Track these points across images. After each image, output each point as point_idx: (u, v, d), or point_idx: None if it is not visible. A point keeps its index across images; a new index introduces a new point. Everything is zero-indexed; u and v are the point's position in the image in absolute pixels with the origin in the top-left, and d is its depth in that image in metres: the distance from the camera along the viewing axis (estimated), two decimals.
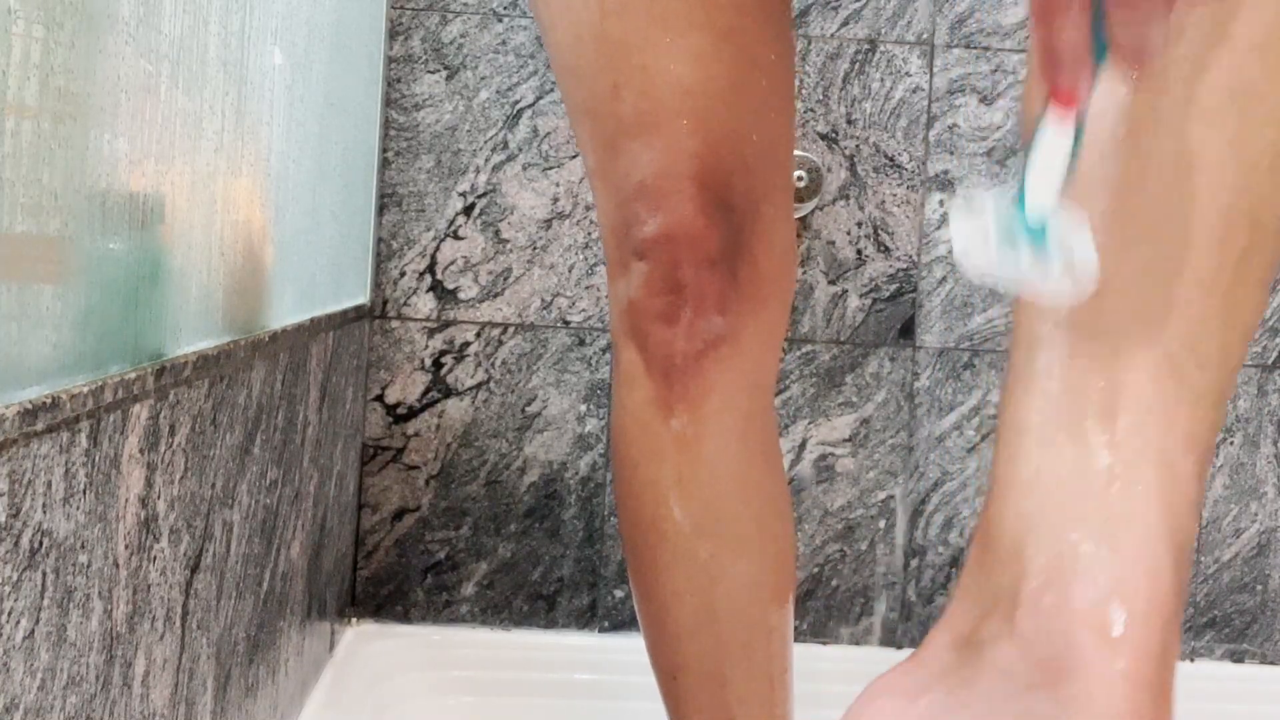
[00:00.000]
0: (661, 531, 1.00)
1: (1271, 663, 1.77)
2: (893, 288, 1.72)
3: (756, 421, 1.01)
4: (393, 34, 1.68)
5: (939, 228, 1.72)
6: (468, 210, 1.69)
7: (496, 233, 1.70)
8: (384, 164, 1.68)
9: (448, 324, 1.69)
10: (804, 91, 1.71)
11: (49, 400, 0.59)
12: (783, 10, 0.99)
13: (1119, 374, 0.66)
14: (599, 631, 1.71)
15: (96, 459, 0.65)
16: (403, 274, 1.69)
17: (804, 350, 1.72)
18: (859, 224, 1.72)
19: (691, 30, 0.94)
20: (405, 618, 1.69)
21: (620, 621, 1.71)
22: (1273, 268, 0.69)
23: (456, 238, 1.69)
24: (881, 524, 1.73)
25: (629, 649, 1.69)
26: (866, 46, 1.71)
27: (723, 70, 0.95)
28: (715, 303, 0.96)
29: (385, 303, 1.69)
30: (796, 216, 1.71)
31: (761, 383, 1.01)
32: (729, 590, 1.00)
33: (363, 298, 1.64)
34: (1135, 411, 0.65)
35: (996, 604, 0.69)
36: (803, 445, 1.72)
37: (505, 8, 1.69)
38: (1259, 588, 1.77)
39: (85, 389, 0.64)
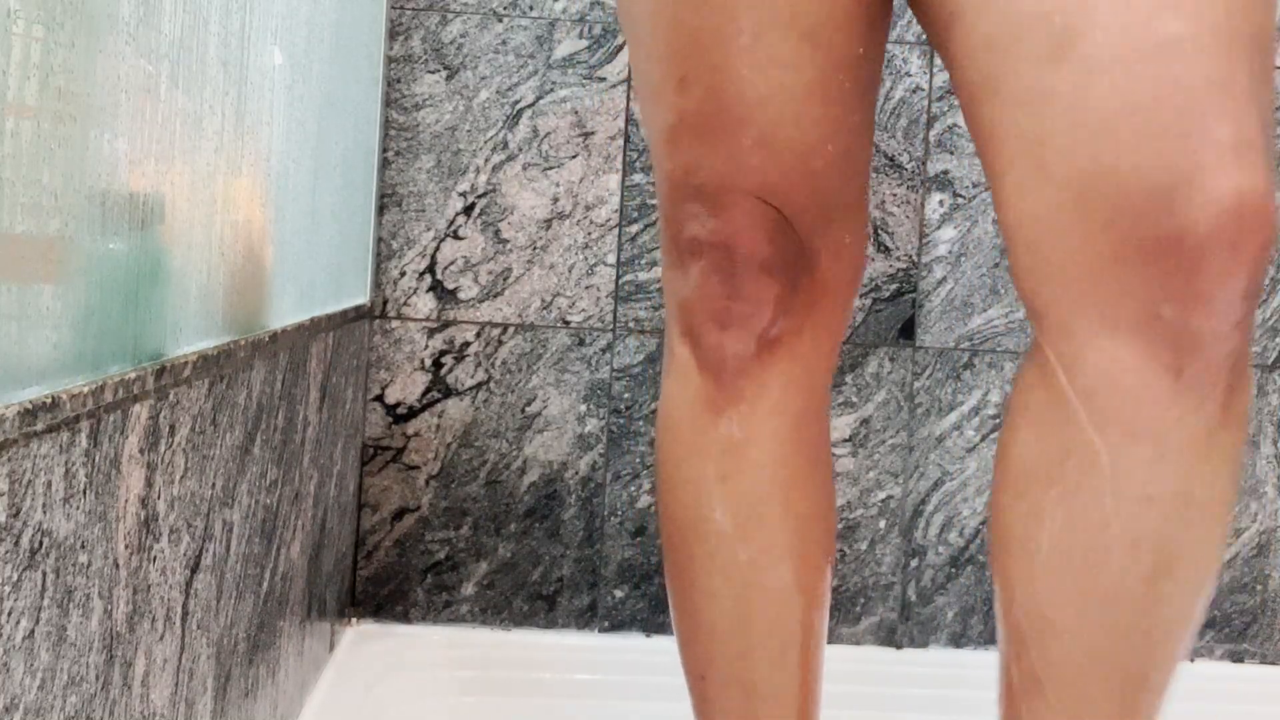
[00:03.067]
0: (701, 531, 0.98)
1: (1271, 663, 1.76)
2: (893, 288, 1.72)
3: (807, 425, 0.98)
4: (393, 34, 1.68)
5: (939, 228, 1.72)
6: (468, 210, 1.69)
7: (496, 233, 1.70)
8: (384, 164, 1.68)
9: (448, 324, 1.69)
10: None
11: (49, 400, 0.59)
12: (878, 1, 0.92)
13: None
14: (599, 631, 1.71)
15: (96, 459, 0.65)
16: (403, 274, 1.69)
17: None
18: None
19: (771, 30, 0.88)
20: (405, 618, 1.69)
21: (620, 621, 1.71)
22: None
23: (456, 238, 1.69)
24: (881, 524, 1.73)
25: (629, 649, 1.69)
26: None
27: (801, 76, 0.89)
28: (772, 309, 0.93)
29: (385, 303, 1.69)
30: None
31: (816, 385, 0.98)
32: (765, 595, 0.98)
33: (363, 298, 1.64)
34: None
35: None
36: None
37: (505, 8, 1.69)
38: (1259, 588, 1.77)
39: (85, 389, 0.64)
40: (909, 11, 1.70)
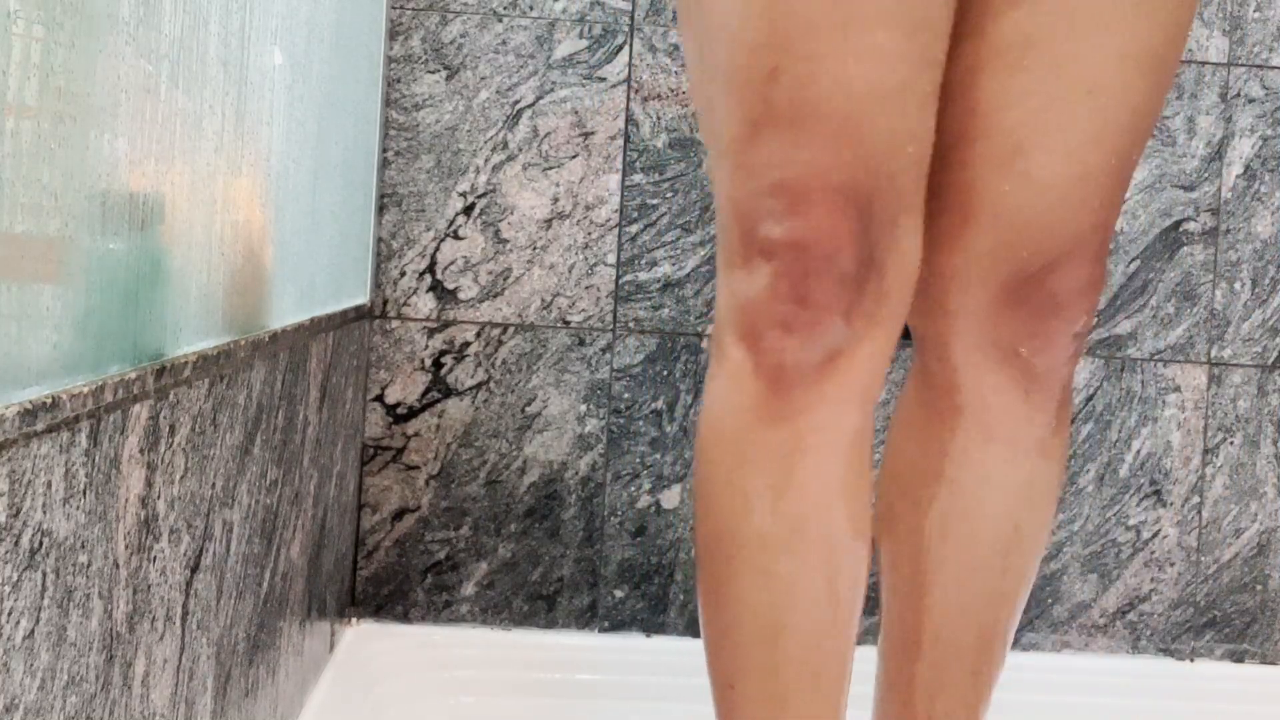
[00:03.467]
0: (742, 539, 0.96)
1: (1271, 663, 1.77)
2: None
3: (858, 444, 0.97)
4: (393, 34, 1.68)
5: None
6: (468, 210, 1.69)
7: (496, 233, 1.70)
8: (384, 164, 1.68)
9: (448, 324, 1.69)
10: None
11: (49, 400, 0.59)
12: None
13: None
14: (599, 631, 1.71)
15: (96, 459, 0.65)
16: (403, 274, 1.69)
17: None
18: None
19: (878, 25, 0.88)
20: (405, 618, 1.69)
21: (620, 621, 1.71)
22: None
23: (456, 238, 1.69)
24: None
25: (629, 649, 1.69)
26: None
27: (898, 73, 0.89)
28: (839, 317, 0.92)
29: (385, 303, 1.69)
30: None
31: (869, 399, 0.97)
32: (802, 609, 0.97)
33: (363, 298, 1.64)
34: None
35: None
36: None
37: (505, 8, 1.69)
38: (1259, 588, 1.77)
39: (85, 389, 0.64)
40: None
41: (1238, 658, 1.77)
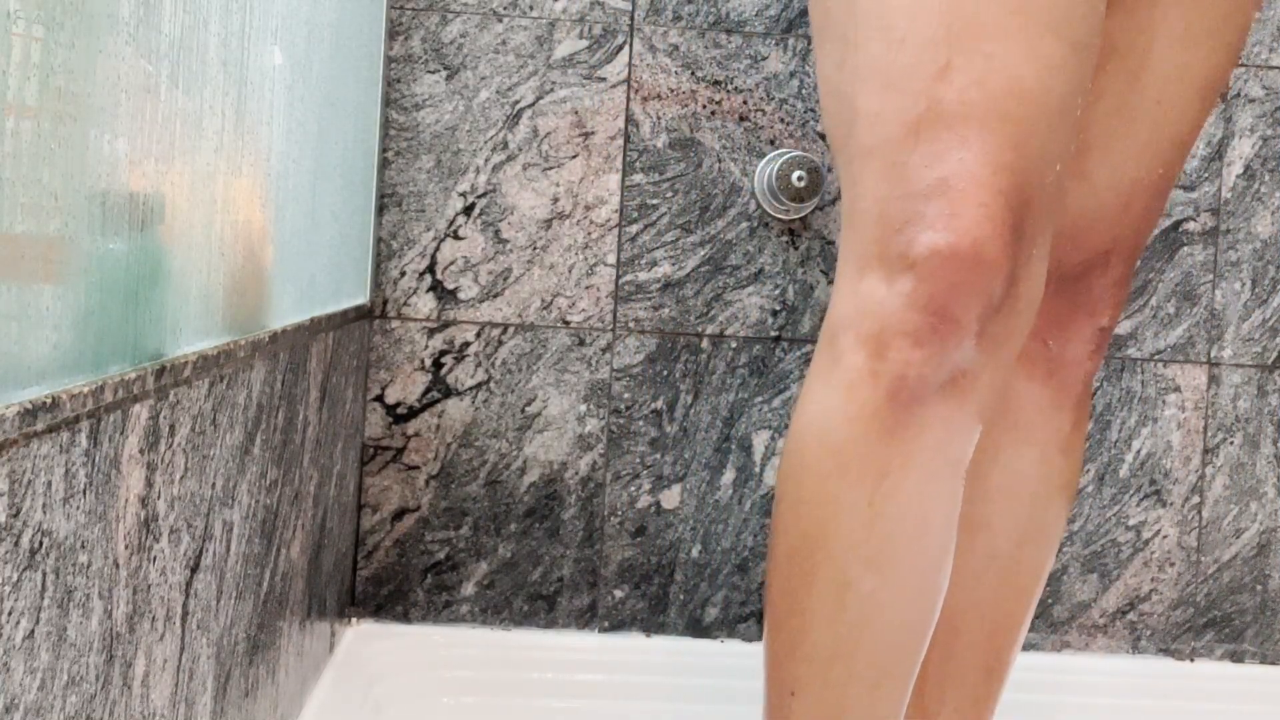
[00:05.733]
0: (829, 551, 0.93)
1: (1271, 663, 1.76)
2: None
3: (958, 468, 0.94)
4: (393, 34, 1.68)
5: None
6: (468, 210, 1.69)
7: (496, 233, 1.70)
8: (384, 164, 1.68)
9: (448, 324, 1.69)
10: (804, 91, 1.71)
11: (49, 400, 0.59)
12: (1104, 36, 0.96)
13: None
14: (599, 631, 1.71)
15: (96, 459, 0.65)
16: (403, 274, 1.69)
17: (805, 350, 1.72)
18: None
19: (1048, 34, 0.87)
20: (405, 618, 1.69)
21: (620, 621, 1.71)
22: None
23: (456, 238, 1.69)
24: None
25: (629, 649, 1.69)
26: None
27: (1062, 85, 0.88)
28: (972, 336, 0.88)
29: (385, 303, 1.69)
30: (797, 216, 1.71)
31: (982, 426, 0.94)
32: (879, 630, 0.94)
33: (363, 298, 1.64)
34: None
35: None
36: None
37: (505, 8, 1.69)
38: (1259, 588, 1.77)
39: (85, 389, 0.64)
40: None
41: (1238, 658, 1.77)
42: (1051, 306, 1.06)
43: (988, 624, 1.08)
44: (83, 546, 0.64)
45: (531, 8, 1.69)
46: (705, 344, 1.70)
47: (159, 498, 0.76)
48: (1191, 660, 1.76)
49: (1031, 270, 0.90)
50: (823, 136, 1.71)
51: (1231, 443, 1.76)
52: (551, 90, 1.69)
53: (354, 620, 1.68)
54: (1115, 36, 1.02)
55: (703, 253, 1.70)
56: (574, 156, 1.69)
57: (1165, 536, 1.76)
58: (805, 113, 1.71)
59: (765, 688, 0.99)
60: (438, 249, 1.69)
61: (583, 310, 1.70)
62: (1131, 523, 1.76)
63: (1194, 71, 1.04)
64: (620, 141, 1.70)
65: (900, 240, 0.87)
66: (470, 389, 1.70)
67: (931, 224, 0.86)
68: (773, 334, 1.71)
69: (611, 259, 1.70)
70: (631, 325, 1.70)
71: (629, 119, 1.70)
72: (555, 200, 1.70)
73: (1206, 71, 1.04)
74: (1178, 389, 1.76)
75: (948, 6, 0.87)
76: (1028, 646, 1.73)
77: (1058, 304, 1.06)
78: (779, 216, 1.71)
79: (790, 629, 0.96)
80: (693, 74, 1.70)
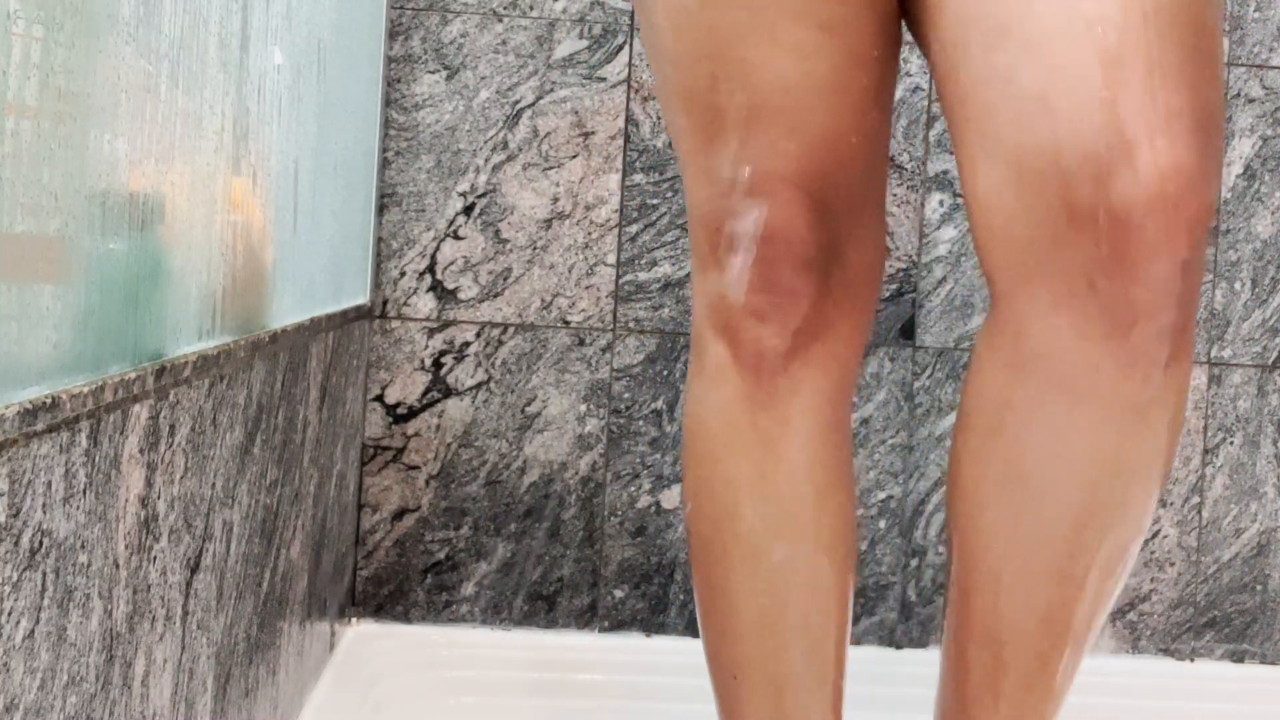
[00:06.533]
0: (736, 530, 0.99)
1: (1271, 663, 1.76)
2: (893, 288, 1.72)
3: (837, 425, 1.00)
4: (393, 34, 1.68)
5: (939, 228, 1.72)
6: (468, 210, 1.69)
7: (496, 233, 1.70)
8: (384, 164, 1.68)
9: (448, 324, 1.69)
10: None
11: (49, 400, 0.59)
12: (887, 4, 0.95)
13: None
14: (599, 631, 1.71)
15: (96, 459, 0.65)
16: (403, 274, 1.69)
17: None
18: None
19: (792, 24, 0.93)
20: (405, 618, 1.69)
21: (620, 621, 1.71)
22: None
23: (456, 238, 1.69)
24: (881, 524, 1.73)
25: (629, 649, 1.69)
26: None
27: (823, 67, 0.93)
28: (809, 303, 0.96)
29: (385, 303, 1.69)
30: None
31: (844, 387, 1.00)
32: (799, 593, 1.00)
33: (363, 298, 1.64)
34: None
35: None
36: None
37: (505, 8, 1.69)
38: (1259, 588, 1.77)
39: (85, 389, 0.64)
40: None
41: (1238, 658, 1.77)
42: (1084, 238, 0.80)
43: (1037, 615, 0.92)
44: (83, 546, 0.64)
45: (531, 8, 1.69)
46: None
47: (159, 498, 0.76)
48: (1191, 660, 1.76)
49: (857, 234, 0.97)
50: None
51: (1231, 443, 1.76)
52: (551, 90, 1.69)
53: (354, 620, 1.68)
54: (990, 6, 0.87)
55: None
56: (574, 156, 1.69)
57: (1165, 536, 1.76)
58: None
59: (711, 682, 1.03)
60: (438, 249, 1.69)
61: (583, 310, 1.70)
62: None
63: None
64: (620, 141, 1.70)
65: (722, 236, 0.96)
66: (470, 389, 1.70)
67: (743, 216, 0.95)
68: None
69: (611, 259, 1.70)
70: (631, 325, 1.70)
71: (629, 119, 1.70)
72: (555, 200, 1.70)
73: None
74: None
75: (699, 24, 0.95)
76: None
77: (1092, 234, 0.80)
78: None
79: (718, 614, 1.01)
80: None
